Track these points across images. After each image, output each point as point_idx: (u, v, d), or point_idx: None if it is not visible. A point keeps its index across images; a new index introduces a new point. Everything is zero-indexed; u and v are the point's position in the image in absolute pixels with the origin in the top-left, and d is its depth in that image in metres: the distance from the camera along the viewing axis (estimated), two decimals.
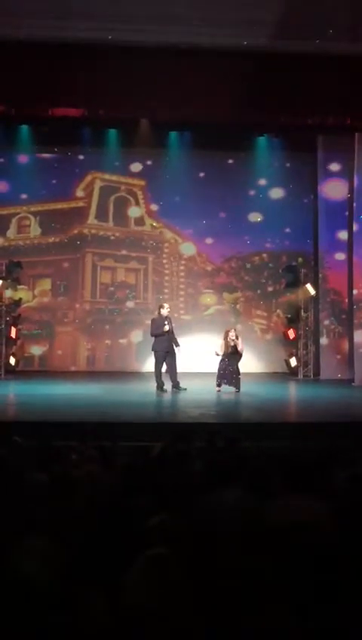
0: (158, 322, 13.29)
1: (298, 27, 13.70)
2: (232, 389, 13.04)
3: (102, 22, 13.49)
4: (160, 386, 12.98)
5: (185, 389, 12.95)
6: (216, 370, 13.24)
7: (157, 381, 13.06)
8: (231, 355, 13.21)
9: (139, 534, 2.61)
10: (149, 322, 13.83)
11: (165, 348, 13.11)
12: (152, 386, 13.04)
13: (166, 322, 13.18)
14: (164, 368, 13.18)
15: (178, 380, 13.11)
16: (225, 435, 6.67)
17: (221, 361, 13.21)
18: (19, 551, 2.09)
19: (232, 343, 13.22)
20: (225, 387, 13.11)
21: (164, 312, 13.40)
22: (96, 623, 1.90)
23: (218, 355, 13.29)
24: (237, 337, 13.32)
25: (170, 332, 13.19)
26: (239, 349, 13.28)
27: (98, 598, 1.98)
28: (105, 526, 2.83)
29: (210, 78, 14.33)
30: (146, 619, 1.89)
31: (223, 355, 13.23)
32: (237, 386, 13.07)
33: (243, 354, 13.60)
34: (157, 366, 13.19)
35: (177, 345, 13.28)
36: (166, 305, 13.74)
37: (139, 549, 2.18)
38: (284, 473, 3.90)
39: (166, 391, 12.91)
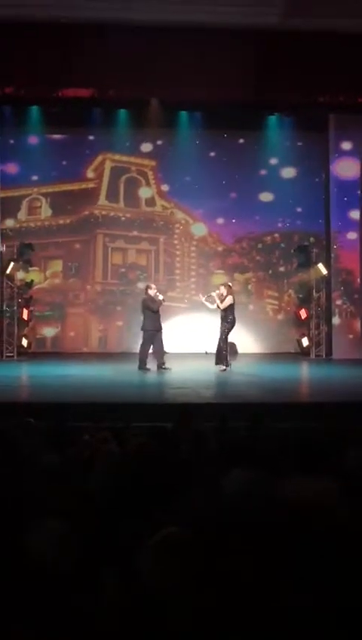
0: (153, 298, 13.23)
1: (308, 4, 13.57)
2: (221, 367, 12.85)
3: (112, 1, 13.40)
4: (143, 365, 12.91)
5: (170, 369, 12.85)
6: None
7: (141, 360, 12.96)
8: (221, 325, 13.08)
9: (152, 515, 2.62)
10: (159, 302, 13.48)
11: (157, 327, 13.09)
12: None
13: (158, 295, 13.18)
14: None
15: (164, 360, 13.05)
16: (238, 416, 6.68)
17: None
18: (34, 532, 2.11)
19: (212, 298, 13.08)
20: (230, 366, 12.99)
21: (152, 292, 13.32)
22: (112, 601, 1.92)
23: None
24: (220, 296, 12.99)
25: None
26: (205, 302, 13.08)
27: (114, 578, 2.00)
28: (118, 507, 2.85)
29: (221, 57, 14.22)
30: (160, 597, 1.91)
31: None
32: (218, 361, 12.88)
33: (255, 334, 13.28)
34: (145, 346, 13.12)
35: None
36: (153, 286, 13.66)
37: (152, 528, 2.20)
38: (296, 454, 3.92)
39: (149, 369, 12.86)
